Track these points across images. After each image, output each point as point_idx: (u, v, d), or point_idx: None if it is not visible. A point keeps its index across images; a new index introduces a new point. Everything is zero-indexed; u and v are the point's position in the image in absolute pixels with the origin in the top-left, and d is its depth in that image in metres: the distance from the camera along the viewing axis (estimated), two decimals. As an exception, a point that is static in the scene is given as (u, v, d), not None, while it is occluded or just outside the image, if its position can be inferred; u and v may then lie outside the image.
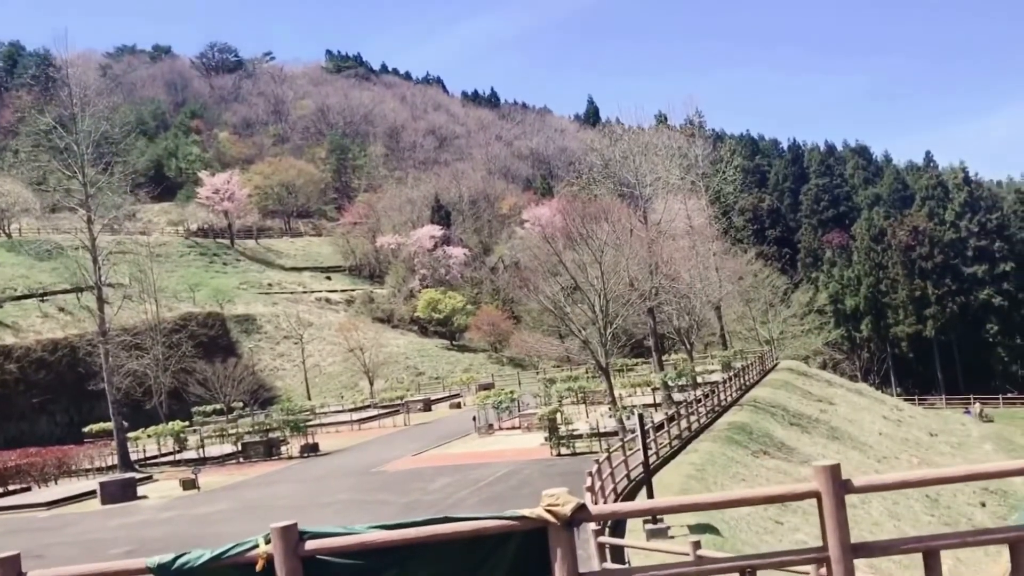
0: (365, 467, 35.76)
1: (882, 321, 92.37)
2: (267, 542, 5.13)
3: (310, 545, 5.21)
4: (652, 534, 19.63)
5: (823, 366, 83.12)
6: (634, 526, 21.28)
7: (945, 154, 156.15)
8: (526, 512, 5.35)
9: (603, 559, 15.17)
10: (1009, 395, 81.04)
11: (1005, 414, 73.10)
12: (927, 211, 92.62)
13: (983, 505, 40.70)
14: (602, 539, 15.33)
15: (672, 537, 19.58)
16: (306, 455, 42.17)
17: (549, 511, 5.34)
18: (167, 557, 5.19)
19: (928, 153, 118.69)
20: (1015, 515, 40.34)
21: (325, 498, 29.13)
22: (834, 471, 5.58)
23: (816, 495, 5.57)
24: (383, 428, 52.27)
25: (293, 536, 5.15)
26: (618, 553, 16.63)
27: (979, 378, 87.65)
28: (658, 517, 20.40)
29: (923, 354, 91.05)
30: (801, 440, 39.98)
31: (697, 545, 13.39)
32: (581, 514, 5.44)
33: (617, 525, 22.24)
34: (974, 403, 74.20)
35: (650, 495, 21.35)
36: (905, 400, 75.28)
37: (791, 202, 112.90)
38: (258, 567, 5.09)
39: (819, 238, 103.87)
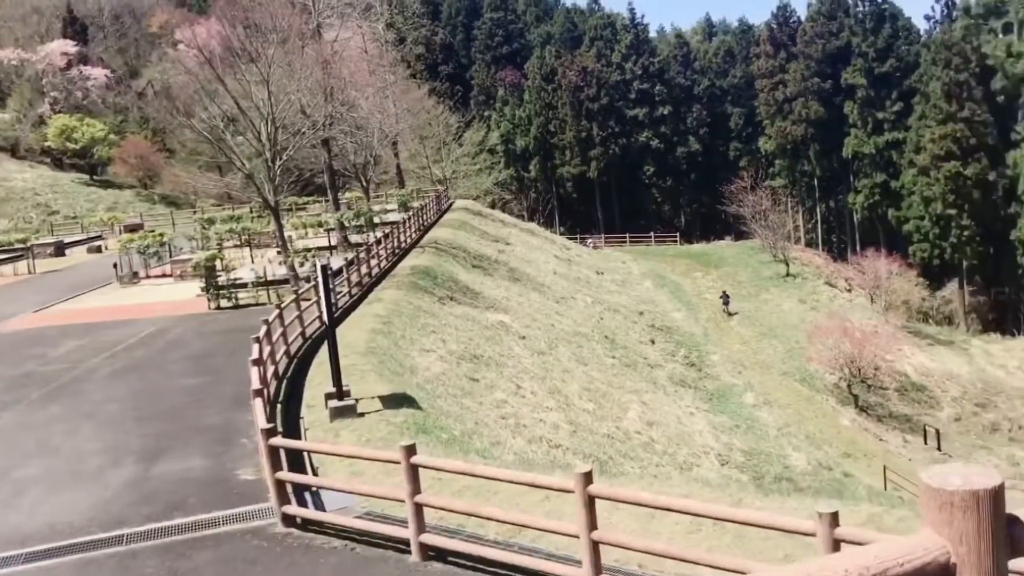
0: (-33, 330, 28.62)
1: (550, 162, 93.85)
2: None
3: None
4: (337, 412, 15.98)
5: (493, 205, 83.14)
6: (314, 400, 17.52)
7: None
8: None
9: (277, 468, 11.25)
10: (659, 234, 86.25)
11: (656, 251, 77.49)
12: (595, 52, 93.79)
13: (653, 343, 41.78)
14: (277, 440, 11.36)
15: (362, 415, 16.08)
16: None
17: None
18: None
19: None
20: (682, 350, 41.86)
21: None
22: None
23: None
24: (1, 277, 43.69)
25: None
26: (299, 459, 12.82)
27: (634, 217, 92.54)
28: (345, 388, 16.76)
29: (586, 194, 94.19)
30: (485, 283, 38.12)
31: (411, 451, 9.88)
32: None
33: (291, 398, 18.37)
34: (587, 241, 78.60)
35: (333, 355, 17.45)
36: (569, 239, 77.40)
37: (464, 37, 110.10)
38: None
39: (492, 75, 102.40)
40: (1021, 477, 37.45)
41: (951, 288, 71.98)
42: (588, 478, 8.50)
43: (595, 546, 8.50)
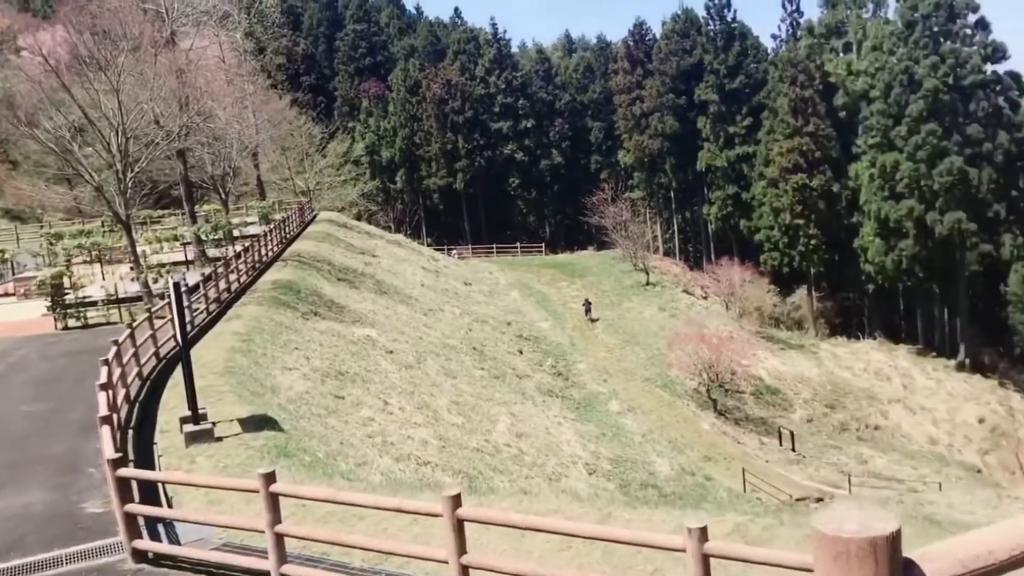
0: None
1: (416, 173, 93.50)
2: None
3: None
4: (193, 437, 15.27)
5: (358, 217, 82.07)
6: (169, 424, 16.71)
7: (473, 13, 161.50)
8: None
9: (126, 500, 10.60)
10: (525, 245, 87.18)
11: (522, 262, 78.27)
12: (459, 65, 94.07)
13: (521, 353, 42.01)
14: (125, 471, 10.70)
15: (220, 439, 15.41)
16: None
17: None
18: None
19: (457, 10, 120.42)
20: (549, 360, 42.25)
21: None
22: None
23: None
24: None
25: None
26: (152, 489, 12.15)
27: (500, 228, 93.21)
28: (200, 410, 16.04)
29: (452, 206, 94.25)
30: (351, 296, 37.46)
31: (270, 479, 9.47)
32: None
33: (144, 423, 17.47)
34: (452, 252, 78.45)
35: (188, 377, 16.67)
36: (437, 250, 77.22)
37: (326, 48, 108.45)
38: None
39: (356, 87, 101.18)
40: (869, 475, 39.51)
41: (800, 294, 75.45)
42: (457, 501, 8.33)
43: (465, 570, 8.33)
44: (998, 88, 66.26)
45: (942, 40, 65.87)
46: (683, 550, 7.32)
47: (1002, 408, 53.92)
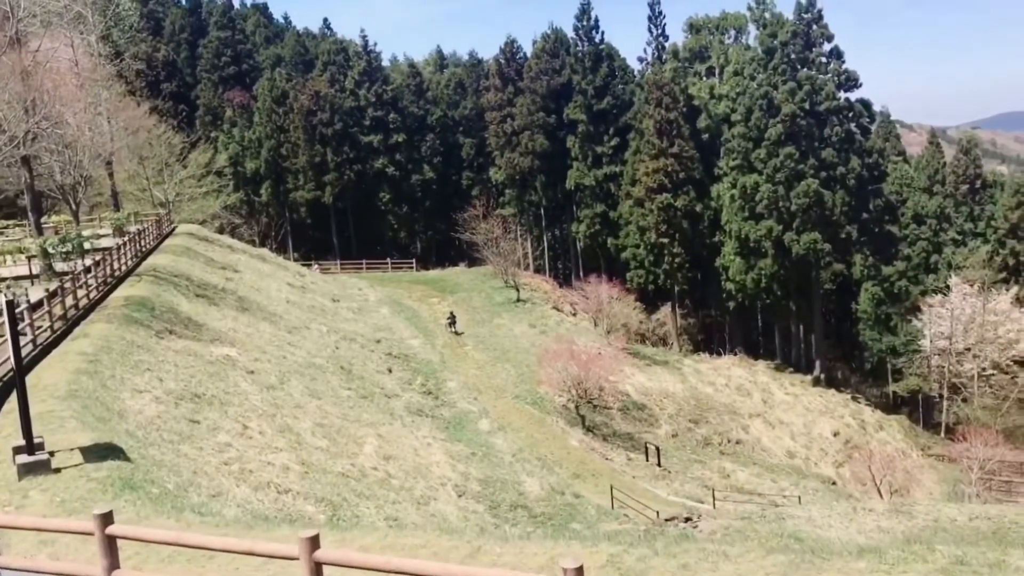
0: None
1: (282, 186, 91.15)
2: None
3: None
4: (27, 469, 13.97)
5: (221, 230, 79.33)
6: (1, 454, 15.29)
7: (342, 25, 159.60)
8: None
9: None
10: (396, 260, 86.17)
11: (393, 277, 77.27)
12: (328, 77, 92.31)
13: (390, 371, 41.16)
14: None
15: (58, 470, 14.17)
16: None
17: None
18: None
19: (326, 20, 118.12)
20: (419, 378, 41.56)
21: None
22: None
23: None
24: None
25: None
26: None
27: (370, 243, 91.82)
28: (36, 439, 14.72)
29: (321, 220, 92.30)
30: (210, 314, 35.83)
31: (107, 519, 8.61)
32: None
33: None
34: (313, 265, 76.48)
35: (23, 403, 15.29)
36: (305, 265, 75.37)
37: (188, 55, 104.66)
38: None
39: (220, 96, 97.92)
40: (732, 488, 40.45)
41: (664, 311, 77.27)
42: (314, 543, 7.72)
43: (323, 617, 7.73)
44: (850, 115, 69.78)
45: (799, 67, 68.93)
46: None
47: (855, 421, 56.45)
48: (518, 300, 64.28)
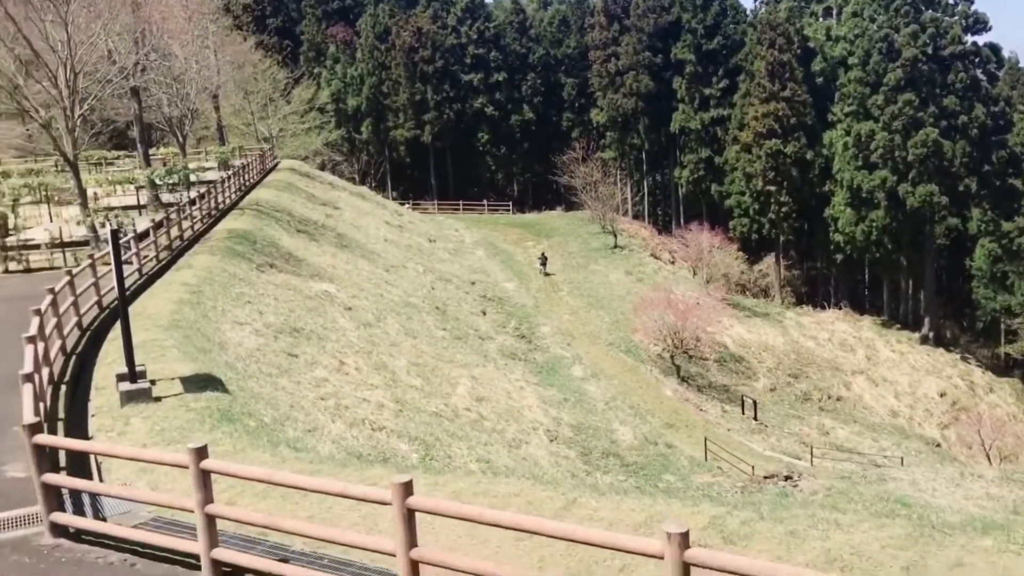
0: None
1: (382, 124, 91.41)
2: None
3: None
4: (129, 397, 14.16)
5: (322, 167, 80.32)
6: (105, 380, 15.56)
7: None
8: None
9: (44, 469, 9.53)
10: (493, 202, 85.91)
11: (489, 220, 77.16)
12: (431, 13, 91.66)
13: (484, 314, 41.07)
14: (42, 438, 9.61)
15: (159, 399, 14.33)
16: None
17: None
18: None
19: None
20: (513, 322, 41.37)
21: None
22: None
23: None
24: None
25: None
26: (81, 461, 11.08)
27: (468, 184, 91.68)
28: (139, 367, 14.91)
29: (419, 159, 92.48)
30: (310, 249, 36.18)
31: (202, 454, 8.46)
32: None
33: (81, 378, 16.30)
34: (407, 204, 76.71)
35: (126, 332, 15.45)
36: (401, 204, 75.79)
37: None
38: None
39: (323, 31, 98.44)
40: (830, 446, 39.29)
41: (768, 262, 75.11)
42: (407, 488, 7.38)
43: (415, 566, 7.43)
44: (977, 60, 65.77)
45: (923, 8, 65.11)
46: (661, 557, 6.46)
47: (963, 383, 54.10)
48: (615, 246, 63.33)
